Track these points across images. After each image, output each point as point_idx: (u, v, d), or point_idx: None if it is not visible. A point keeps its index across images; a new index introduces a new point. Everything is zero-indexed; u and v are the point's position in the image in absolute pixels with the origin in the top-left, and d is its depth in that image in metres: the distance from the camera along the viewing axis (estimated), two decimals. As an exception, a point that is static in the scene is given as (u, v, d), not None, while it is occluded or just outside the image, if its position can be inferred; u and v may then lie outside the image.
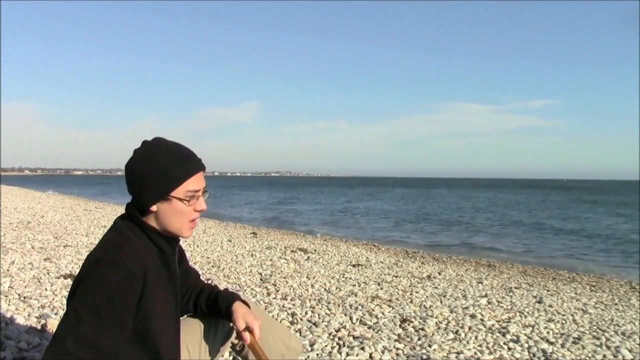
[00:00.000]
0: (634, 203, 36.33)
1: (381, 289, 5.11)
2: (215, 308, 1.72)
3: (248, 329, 1.63)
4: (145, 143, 1.49)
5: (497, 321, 3.98)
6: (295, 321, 3.62)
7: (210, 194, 1.57)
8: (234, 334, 1.78)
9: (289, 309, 3.97)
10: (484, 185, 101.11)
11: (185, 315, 1.80)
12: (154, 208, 1.46)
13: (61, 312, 3.31)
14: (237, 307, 1.68)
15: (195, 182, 1.47)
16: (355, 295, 4.65)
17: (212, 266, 6.02)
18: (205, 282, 1.87)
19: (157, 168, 1.43)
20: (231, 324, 1.77)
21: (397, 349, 3.11)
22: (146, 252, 1.44)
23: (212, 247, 7.87)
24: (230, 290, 1.82)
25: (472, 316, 4.08)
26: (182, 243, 1.77)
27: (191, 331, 1.72)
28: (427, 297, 4.84)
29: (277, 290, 4.69)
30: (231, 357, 2.58)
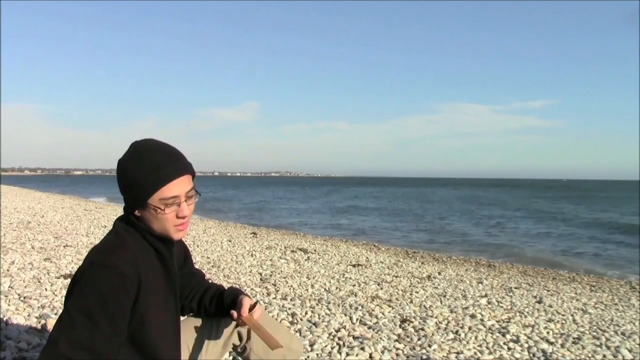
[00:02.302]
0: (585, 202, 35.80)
1: (381, 289, 5.11)
2: (220, 303, 1.72)
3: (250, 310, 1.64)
4: (131, 145, 1.47)
5: (497, 321, 3.98)
6: (295, 321, 3.62)
7: (199, 197, 1.53)
8: (235, 335, 1.78)
9: (289, 309, 3.97)
10: (479, 185, 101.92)
11: (187, 316, 1.80)
12: (137, 213, 1.46)
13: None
14: (243, 297, 1.70)
15: (173, 189, 1.43)
16: (355, 295, 4.65)
17: (212, 266, 6.02)
18: (211, 282, 1.87)
19: (133, 176, 1.42)
20: (230, 326, 1.77)
21: (397, 349, 3.11)
22: (142, 253, 1.44)
23: (212, 247, 7.87)
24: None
25: (472, 316, 4.08)
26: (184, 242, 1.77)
27: (192, 331, 1.72)
28: (427, 297, 4.84)
29: (277, 290, 4.69)
30: (231, 358, 2.58)
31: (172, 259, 1.54)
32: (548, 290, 5.92)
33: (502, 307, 4.57)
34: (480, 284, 5.97)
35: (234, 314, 1.64)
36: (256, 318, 1.64)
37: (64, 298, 1.43)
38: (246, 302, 1.64)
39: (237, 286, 4.80)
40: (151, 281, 1.44)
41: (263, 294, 4.54)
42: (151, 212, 1.43)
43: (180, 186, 1.44)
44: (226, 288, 1.80)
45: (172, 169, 1.43)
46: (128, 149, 1.46)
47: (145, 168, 1.41)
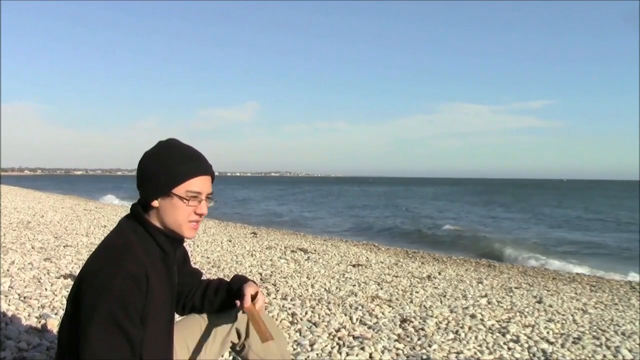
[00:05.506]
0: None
1: (381, 289, 5.11)
2: (228, 291, 1.73)
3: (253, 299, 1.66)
4: (159, 142, 1.53)
5: (497, 321, 3.98)
6: (295, 321, 3.62)
7: (215, 203, 1.57)
8: (234, 332, 1.78)
9: (289, 309, 3.97)
10: (474, 184, 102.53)
11: (187, 314, 1.80)
12: (155, 203, 1.47)
13: (61, 312, 3.31)
14: (247, 285, 1.71)
15: (199, 184, 1.47)
16: (355, 295, 4.65)
17: (212, 266, 6.02)
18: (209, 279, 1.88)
19: (163, 163, 1.46)
20: (228, 324, 1.77)
21: (397, 349, 3.12)
22: (146, 254, 1.44)
23: (212, 247, 7.87)
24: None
25: (472, 316, 4.08)
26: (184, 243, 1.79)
27: (191, 330, 1.72)
28: (427, 297, 4.85)
29: (277, 290, 4.69)
30: (231, 357, 2.58)
31: (175, 258, 1.55)
32: (548, 290, 5.92)
33: (502, 307, 4.57)
34: (480, 284, 5.97)
35: (238, 302, 1.66)
36: (258, 308, 1.65)
37: (65, 297, 1.43)
38: (248, 292, 1.66)
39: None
40: (155, 281, 1.44)
41: (263, 294, 4.54)
42: (173, 202, 1.45)
43: (204, 184, 1.49)
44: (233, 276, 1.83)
45: (202, 165, 1.50)
46: (161, 142, 1.53)
47: (177, 158, 1.46)
